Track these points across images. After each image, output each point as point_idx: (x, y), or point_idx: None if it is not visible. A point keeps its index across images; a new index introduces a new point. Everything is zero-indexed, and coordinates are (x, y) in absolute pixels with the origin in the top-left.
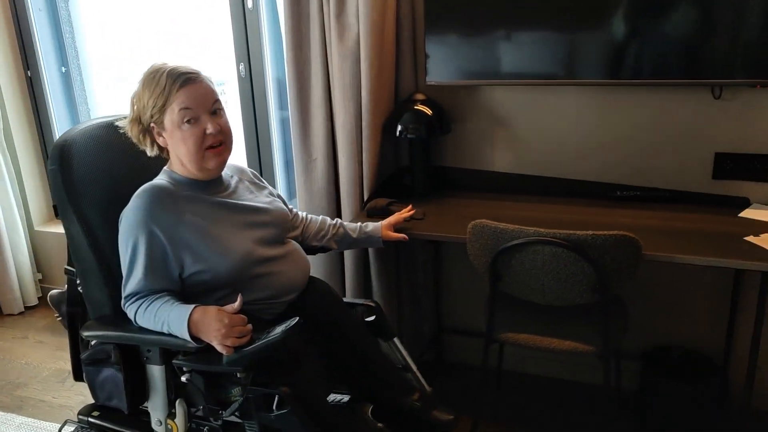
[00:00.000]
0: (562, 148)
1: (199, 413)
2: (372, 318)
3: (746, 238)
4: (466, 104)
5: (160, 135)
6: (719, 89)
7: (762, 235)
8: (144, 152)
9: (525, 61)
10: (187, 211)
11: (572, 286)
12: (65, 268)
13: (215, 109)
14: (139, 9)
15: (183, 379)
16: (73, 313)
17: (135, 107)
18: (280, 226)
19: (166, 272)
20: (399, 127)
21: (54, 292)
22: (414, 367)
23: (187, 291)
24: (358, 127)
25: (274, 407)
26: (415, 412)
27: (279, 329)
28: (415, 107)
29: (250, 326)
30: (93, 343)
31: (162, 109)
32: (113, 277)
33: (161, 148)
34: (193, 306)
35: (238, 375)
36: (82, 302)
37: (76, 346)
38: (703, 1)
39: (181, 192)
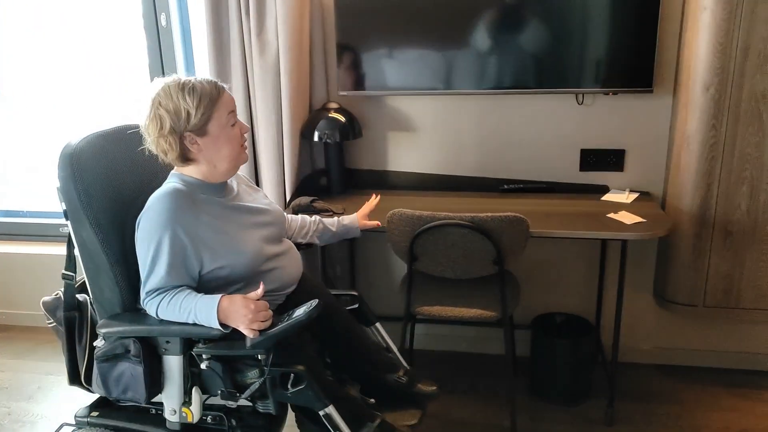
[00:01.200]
0: (456, 148)
1: (210, 402)
2: (355, 306)
3: (608, 215)
4: (374, 112)
5: (194, 143)
6: (581, 96)
7: (620, 212)
8: (144, 159)
9: (415, 75)
10: (204, 212)
11: (476, 261)
12: (63, 273)
13: None
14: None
15: (203, 366)
16: (71, 318)
17: (168, 118)
18: (280, 225)
19: (187, 269)
20: (316, 133)
21: (47, 298)
22: (395, 348)
23: (203, 286)
24: (279, 134)
25: (289, 385)
26: (401, 386)
27: (301, 311)
28: (330, 115)
29: (271, 312)
30: (99, 343)
31: (209, 117)
32: (125, 277)
33: (185, 157)
34: (220, 295)
35: (259, 357)
36: (80, 307)
37: (73, 350)
38: (559, 26)
39: (196, 195)
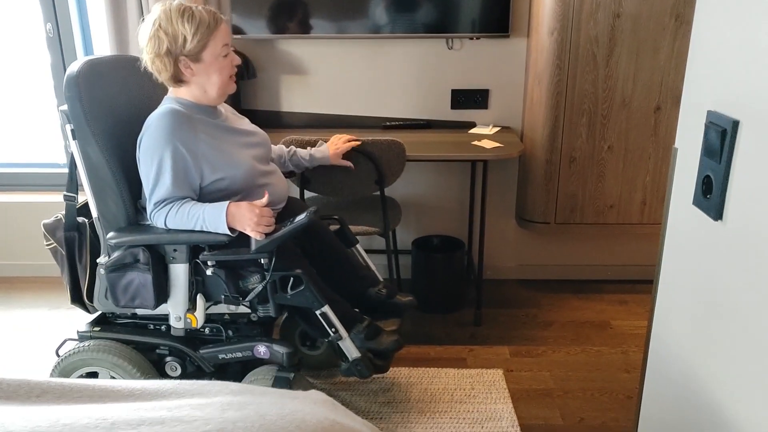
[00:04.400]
0: (344, 89)
1: (209, 313)
2: (337, 227)
3: (473, 143)
4: (269, 56)
5: (188, 67)
6: (451, 41)
7: (482, 140)
8: (141, 84)
9: (308, 20)
10: (201, 131)
11: (361, 182)
12: (64, 195)
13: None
14: None
15: (208, 272)
16: (71, 238)
17: (167, 40)
18: (267, 147)
19: (189, 181)
20: None
21: (47, 220)
22: (373, 267)
23: (204, 198)
24: None
25: (289, 288)
26: (382, 298)
27: (302, 216)
28: None
29: (274, 218)
30: (103, 259)
31: (204, 43)
32: (128, 192)
33: (177, 79)
34: (227, 201)
35: (261, 261)
36: (79, 228)
37: (74, 268)
38: None
39: (193, 114)
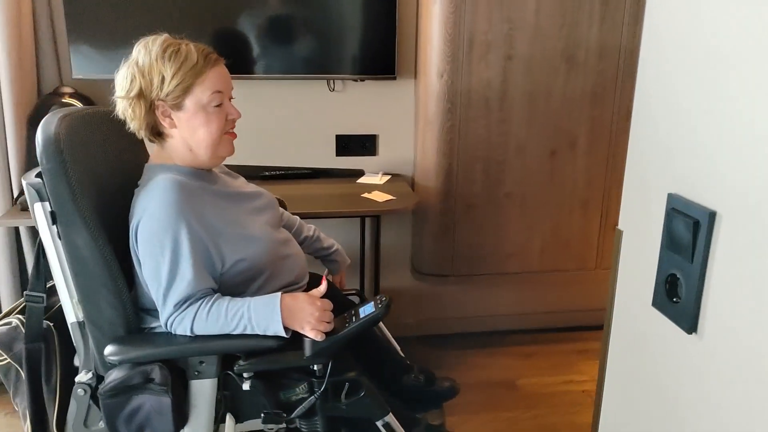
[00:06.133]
0: None
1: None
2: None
3: (362, 195)
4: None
5: (167, 116)
6: (332, 83)
7: (373, 192)
8: (121, 145)
9: None
10: (207, 203)
11: None
12: (27, 295)
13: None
14: None
15: (245, 386)
16: (35, 350)
17: (141, 80)
18: (275, 209)
19: (211, 268)
20: None
21: None
22: (398, 347)
23: (226, 289)
24: (0, 121)
25: (343, 396)
26: (419, 385)
27: (369, 308)
28: (63, 99)
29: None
30: (85, 378)
31: (188, 89)
32: (127, 291)
33: (154, 131)
34: (279, 293)
35: (315, 367)
36: (46, 336)
37: (39, 391)
38: (309, 16)
39: (192, 183)
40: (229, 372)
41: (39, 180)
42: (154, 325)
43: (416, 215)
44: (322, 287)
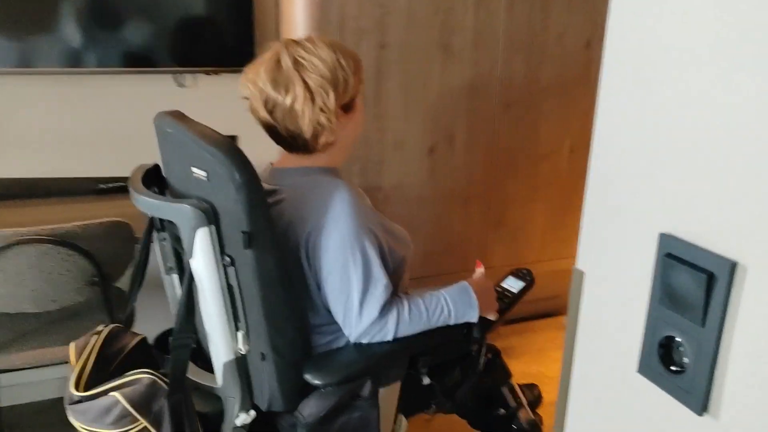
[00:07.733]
0: (34, 144)
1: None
2: None
3: None
4: None
5: (338, 119)
6: (181, 77)
7: None
8: None
9: None
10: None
11: (67, 284)
12: (174, 338)
13: None
14: None
15: (425, 381)
16: (177, 403)
17: (332, 87)
18: None
19: (389, 269)
20: None
21: (130, 392)
22: None
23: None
24: None
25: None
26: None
27: (514, 280)
28: None
29: None
30: (245, 420)
31: (358, 83)
32: (306, 310)
33: (311, 144)
34: (464, 281)
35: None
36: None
37: None
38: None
39: None
40: (410, 371)
41: (206, 203)
42: (321, 342)
43: None
44: (482, 269)
